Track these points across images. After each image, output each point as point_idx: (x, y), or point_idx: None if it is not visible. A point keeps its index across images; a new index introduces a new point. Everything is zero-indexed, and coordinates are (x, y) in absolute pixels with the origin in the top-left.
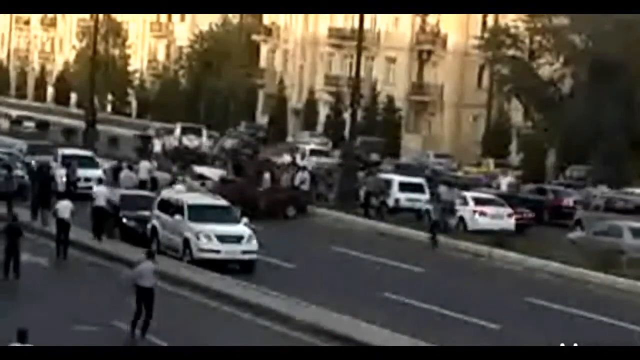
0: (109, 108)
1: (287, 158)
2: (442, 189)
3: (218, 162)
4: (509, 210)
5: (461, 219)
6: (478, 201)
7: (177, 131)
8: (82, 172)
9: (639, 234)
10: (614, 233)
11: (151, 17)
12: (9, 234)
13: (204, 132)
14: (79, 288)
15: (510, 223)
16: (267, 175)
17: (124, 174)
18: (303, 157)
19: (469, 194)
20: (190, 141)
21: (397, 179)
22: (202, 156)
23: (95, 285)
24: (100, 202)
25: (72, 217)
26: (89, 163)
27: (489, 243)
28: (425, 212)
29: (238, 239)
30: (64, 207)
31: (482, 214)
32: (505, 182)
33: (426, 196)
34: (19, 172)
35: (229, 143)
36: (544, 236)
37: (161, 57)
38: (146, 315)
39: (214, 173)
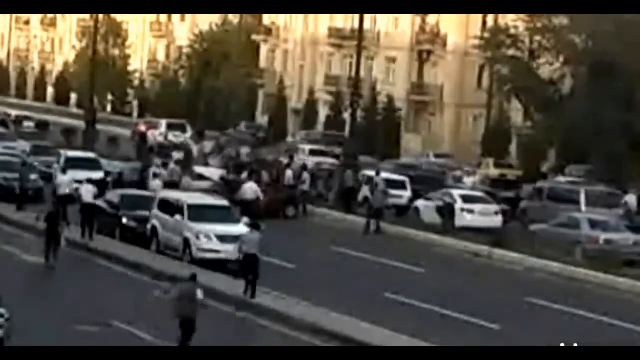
0: (109, 108)
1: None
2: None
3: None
4: (496, 207)
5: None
6: (466, 199)
7: (163, 128)
8: (84, 175)
9: (595, 225)
10: (572, 225)
11: (151, 17)
12: (50, 220)
13: (188, 127)
14: (80, 288)
15: (497, 220)
16: (265, 175)
17: (170, 168)
18: (293, 156)
19: (456, 192)
20: (176, 137)
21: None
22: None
23: (96, 285)
24: (64, 190)
25: (95, 199)
26: (92, 165)
27: (488, 243)
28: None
29: (238, 239)
30: (87, 191)
31: (470, 211)
32: (469, 181)
33: (408, 193)
34: (32, 176)
35: (208, 147)
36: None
37: (161, 57)
38: (253, 277)
39: (214, 173)
